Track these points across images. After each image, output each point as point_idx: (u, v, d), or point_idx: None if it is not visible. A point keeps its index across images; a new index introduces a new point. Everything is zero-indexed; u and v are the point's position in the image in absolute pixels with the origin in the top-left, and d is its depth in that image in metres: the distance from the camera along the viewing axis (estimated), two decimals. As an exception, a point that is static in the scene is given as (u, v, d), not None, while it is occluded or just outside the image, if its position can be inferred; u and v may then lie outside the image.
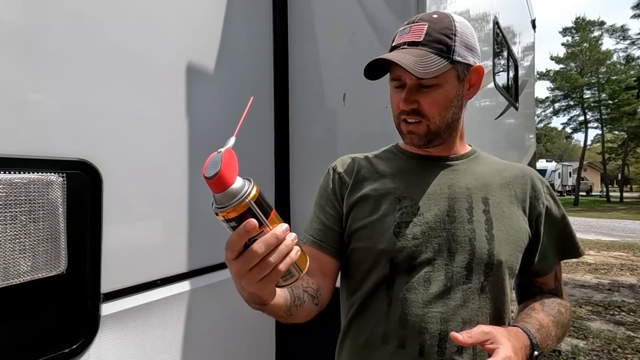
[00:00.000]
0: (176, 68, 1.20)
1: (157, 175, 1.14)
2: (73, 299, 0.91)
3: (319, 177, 0.94)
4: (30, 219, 0.81)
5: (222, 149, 0.51)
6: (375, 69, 0.78)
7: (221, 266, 1.33)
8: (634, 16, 21.89)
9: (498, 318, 0.79)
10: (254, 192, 0.51)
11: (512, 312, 0.85)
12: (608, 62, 25.12)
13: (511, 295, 0.84)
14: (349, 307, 0.86)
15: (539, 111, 28.44)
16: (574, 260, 6.58)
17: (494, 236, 0.78)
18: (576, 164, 30.77)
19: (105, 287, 0.98)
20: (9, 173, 0.78)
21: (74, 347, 0.91)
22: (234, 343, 1.38)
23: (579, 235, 0.91)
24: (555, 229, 0.87)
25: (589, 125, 27.49)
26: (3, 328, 0.80)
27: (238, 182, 0.51)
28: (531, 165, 4.07)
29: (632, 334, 3.90)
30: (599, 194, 37.17)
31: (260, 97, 1.56)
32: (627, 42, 24.53)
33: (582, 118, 27.28)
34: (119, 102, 1.03)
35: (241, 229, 0.50)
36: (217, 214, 0.51)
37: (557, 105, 28.12)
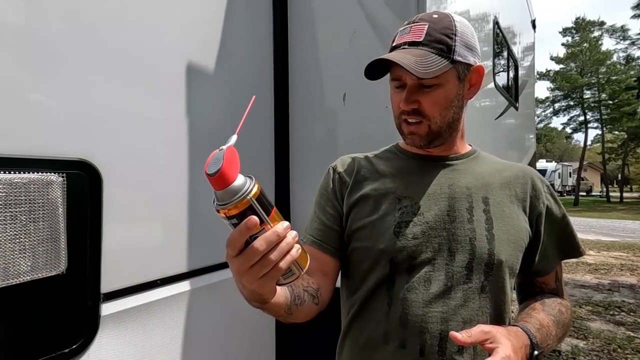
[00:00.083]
0: (176, 68, 1.20)
1: (157, 175, 1.14)
2: (73, 298, 0.91)
3: (319, 177, 0.94)
4: (30, 219, 0.81)
5: (224, 147, 0.51)
6: (376, 69, 0.78)
7: (221, 266, 1.33)
8: (634, 16, 21.89)
9: (498, 318, 0.79)
10: (255, 189, 0.51)
11: (512, 312, 0.85)
12: (608, 62, 25.12)
13: (511, 295, 0.84)
14: (349, 307, 0.86)
15: (539, 111, 28.46)
16: (574, 260, 6.58)
17: (494, 236, 0.78)
18: (576, 164, 30.77)
19: (105, 287, 0.98)
20: (9, 173, 0.78)
21: (74, 347, 0.90)
22: (234, 343, 1.38)
23: (578, 236, 0.91)
24: (556, 228, 0.87)
25: (589, 125, 27.51)
26: (3, 328, 0.80)
27: (240, 180, 0.51)
28: (531, 166, 4.07)
29: (632, 334, 3.89)
30: (599, 194, 37.16)
31: (260, 97, 1.56)
32: (627, 42, 24.56)
33: (582, 118, 27.29)
34: (119, 102, 1.03)
35: (242, 226, 0.50)
36: (218, 211, 0.51)
37: (557, 105, 28.14)
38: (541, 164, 28.64)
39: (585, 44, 25.42)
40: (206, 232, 1.27)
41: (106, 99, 1.00)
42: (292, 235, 0.54)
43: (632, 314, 4.47)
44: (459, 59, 0.76)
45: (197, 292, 1.24)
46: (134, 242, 1.07)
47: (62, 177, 0.87)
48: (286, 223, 0.54)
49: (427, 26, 0.76)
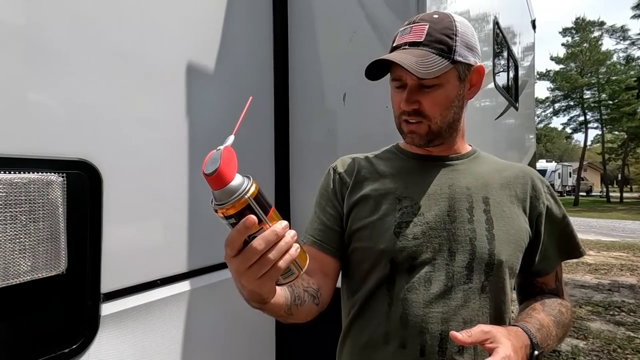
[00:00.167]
0: (176, 68, 1.20)
1: (157, 175, 1.14)
2: (73, 299, 0.91)
3: (319, 177, 0.94)
4: (30, 219, 0.81)
5: (222, 147, 0.51)
6: (376, 69, 0.78)
7: (221, 266, 1.33)
8: (634, 16, 21.89)
9: (498, 318, 0.79)
10: (253, 189, 0.51)
11: (512, 312, 0.85)
12: (608, 62, 25.12)
13: (511, 295, 0.84)
14: (349, 308, 0.86)
15: (539, 111, 28.46)
16: (574, 260, 6.57)
17: (494, 236, 0.78)
18: (576, 164, 30.77)
19: (105, 287, 0.98)
20: (9, 173, 0.78)
21: (74, 347, 0.90)
22: (234, 343, 1.38)
23: (579, 236, 0.91)
24: (556, 228, 0.87)
25: (589, 125, 27.51)
26: (3, 328, 0.80)
27: (237, 179, 0.51)
28: (531, 166, 4.07)
29: (632, 334, 3.89)
30: (599, 194, 37.16)
31: (260, 97, 1.56)
32: (627, 42, 24.56)
33: (582, 118, 27.29)
34: (119, 102, 1.03)
35: (240, 225, 0.50)
36: (216, 211, 0.51)
37: (557, 105, 28.14)
38: (541, 164, 28.64)
39: (585, 44, 25.42)
40: (206, 232, 1.27)
41: (106, 99, 1.00)
42: (290, 234, 0.54)
43: (632, 314, 4.47)
44: (460, 59, 0.76)
45: (197, 292, 1.24)
46: (134, 242, 1.07)
47: (62, 177, 0.87)
48: (285, 222, 0.53)
49: (427, 26, 0.76)
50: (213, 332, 1.30)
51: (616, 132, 30.05)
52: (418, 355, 0.74)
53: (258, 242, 0.51)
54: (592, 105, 26.31)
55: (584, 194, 34.20)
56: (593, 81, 25.48)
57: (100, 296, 0.97)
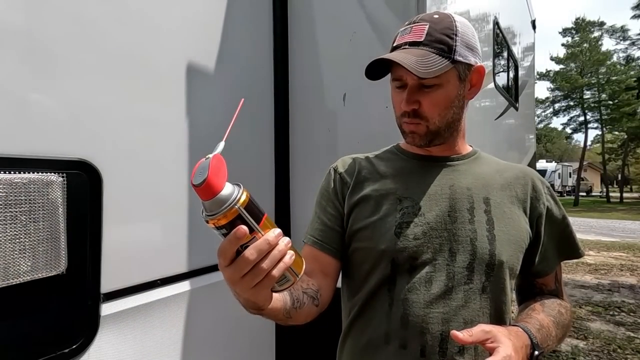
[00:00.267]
0: (176, 68, 1.20)
1: (157, 175, 1.14)
2: (73, 299, 0.91)
3: (319, 177, 0.94)
4: (30, 219, 0.81)
5: (211, 155, 0.50)
6: (377, 69, 0.78)
7: (221, 266, 1.33)
8: (634, 17, 21.90)
9: (499, 318, 0.79)
10: (243, 197, 0.50)
11: (512, 312, 0.85)
12: (608, 62, 25.12)
13: (512, 295, 0.84)
14: (350, 308, 0.86)
15: (539, 111, 28.47)
16: (574, 260, 6.57)
17: (495, 236, 0.78)
18: (576, 165, 30.76)
19: (105, 287, 0.98)
20: (9, 173, 0.78)
21: (74, 347, 0.90)
22: (234, 343, 1.38)
23: (578, 236, 0.91)
24: (556, 229, 0.87)
25: (589, 125, 27.52)
26: (3, 328, 0.80)
27: (227, 189, 0.50)
28: (531, 166, 4.07)
29: (632, 334, 3.89)
30: (599, 194, 37.15)
31: (260, 97, 1.56)
32: (627, 42, 24.58)
33: (582, 118, 27.30)
34: (119, 103, 1.03)
35: (232, 236, 0.49)
36: (207, 222, 0.51)
37: (557, 105, 28.15)
38: (541, 164, 28.63)
39: (585, 45, 25.42)
40: (206, 232, 1.25)
41: (106, 99, 1.00)
42: (284, 242, 0.53)
43: (632, 314, 4.47)
44: (460, 59, 0.76)
45: (197, 292, 1.24)
46: (134, 242, 1.07)
47: (62, 177, 0.87)
48: (278, 230, 0.53)
49: (427, 26, 0.76)
50: (213, 332, 1.30)
51: (616, 132, 30.06)
52: (418, 355, 0.74)
53: (250, 252, 0.50)
54: (592, 105, 26.32)
55: (584, 194, 34.19)
56: (593, 81, 25.49)
57: (100, 296, 0.97)
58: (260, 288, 0.54)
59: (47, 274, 0.84)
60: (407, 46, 0.76)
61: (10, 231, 0.78)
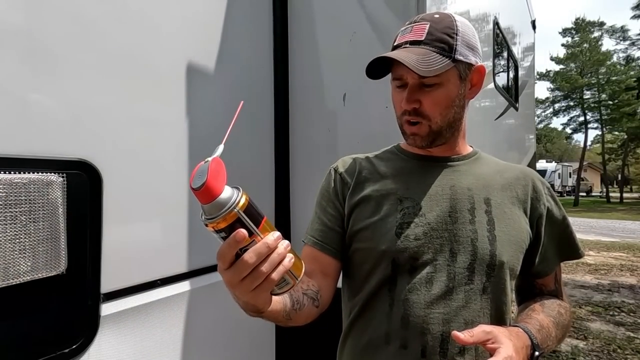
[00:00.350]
0: (176, 68, 1.20)
1: (157, 175, 1.14)
2: (73, 299, 0.91)
3: (319, 177, 0.94)
4: (30, 219, 0.81)
5: (210, 158, 0.50)
6: (377, 68, 0.78)
7: (221, 266, 1.33)
8: (634, 17, 21.91)
9: (499, 319, 0.79)
10: (243, 201, 0.50)
11: (512, 313, 0.85)
12: (608, 62, 25.12)
13: (512, 296, 0.84)
14: (350, 308, 0.85)
15: (539, 112, 28.47)
16: (574, 261, 6.57)
17: (496, 237, 0.78)
18: (576, 165, 30.76)
19: (105, 287, 0.98)
20: (9, 173, 0.78)
21: (74, 347, 0.90)
22: (234, 343, 1.38)
23: (578, 236, 0.91)
24: (556, 230, 0.87)
25: (589, 125, 27.52)
26: (3, 328, 0.80)
27: (226, 192, 0.50)
28: (531, 166, 4.07)
29: (632, 334, 3.89)
30: (598, 194, 37.15)
31: (260, 97, 1.56)
32: (627, 42, 24.58)
33: (582, 119, 27.30)
34: (119, 103, 1.03)
35: (231, 239, 0.49)
36: (206, 225, 0.50)
37: (557, 105, 28.15)
38: (541, 164, 28.63)
39: (585, 45, 25.42)
40: (206, 232, 1.26)
41: (106, 99, 1.00)
42: (283, 245, 0.53)
43: (632, 314, 4.47)
44: (461, 58, 0.76)
45: (197, 292, 1.24)
46: (134, 242, 1.07)
47: (62, 177, 0.87)
48: (277, 233, 0.53)
49: (428, 25, 0.76)
50: (213, 333, 1.30)
51: (616, 133, 30.07)
52: (419, 356, 0.74)
53: (249, 256, 0.50)
54: (592, 105, 26.32)
55: (584, 194, 34.19)
56: (593, 81, 25.49)
57: (100, 296, 0.96)
58: (260, 291, 0.54)
59: (47, 274, 0.84)
60: (408, 45, 0.76)
61: (11, 231, 0.78)
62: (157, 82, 1.14)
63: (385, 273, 0.79)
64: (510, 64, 3.22)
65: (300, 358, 1.57)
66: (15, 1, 0.83)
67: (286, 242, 0.54)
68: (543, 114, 29.36)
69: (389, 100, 0.85)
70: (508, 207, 0.82)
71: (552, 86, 27.40)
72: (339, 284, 0.89)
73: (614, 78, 24.46)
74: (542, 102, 28.48)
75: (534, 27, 4.56)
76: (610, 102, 25.04)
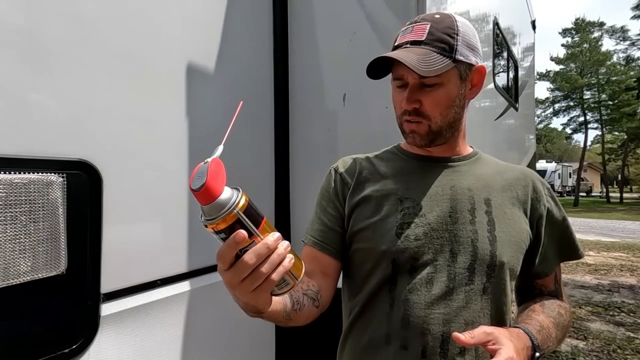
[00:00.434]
0: (176, 68, 1.20)
1: (157, 175, 1.13)
2: (73, 299, 0.91)
3: (319, 177, 0.94)
4: (30, 219, 0.80)
5: (209, 159, 0.49)
6: (378, 68, 0.78)
7: (221, 266, 1.33)
8: (634, 17, 21.92)
9: (499, 319, 0.79)
10: (242, 201, 0.50)
11: (512, 313, 0.85)
12: (608, 63, 25.12)
13: (512, 296, 0.84)
14: (351, 308, 0.85)
15: (539, 112, 28.47)
16: (574, 261, 6.57)
17: (496, 237, 0.78)
18: (576, 165, 30.75)
19: (105, 287, 0.98)
20: (9, 173, 0.78)
21: (74, 347, 0.90)
22: (234, 343, 1.38)
23: (578, 236, 0.91)
24: (556, 231, 0.87)
25: (589, 126, 27.53)
26: (3, 328, 0.80)
27: (226, 193, 0.50)
28: (531, 166, 4.08)
29: (632, 334, 3.89)
30: (598, 194, 37.14)
31: (260, 97, 1.56)
32: (627, 43, 24.58)
33: (582, 119, 27.31)
34: (119, 103, 1.03)
35: (231, 240, 0.49)
36: (206, 226, 0.50)
37: (557, 106, 28.15)
38: (541, 164, 28.62)
39: (585, 45, 25.43)
40: (206, 232, 1.26)
41: (106, 99, 1.00)
42: (283, 245, 0.53)
43: (631, 314, 4.47)
44: (461, 58, 0.76)
45: (197, 292, 1.24)
46: (134, 242, 1.07)
47: (62, 177, 0.87)
48: (277, 234, 0.53)
49: (429, 26, 0.76)
50: (213, 333, 1.30)
51: (616, 133, 30.07)
52: (419, 356, 0.74)
53: (249, 257, 0.50)
54: (592, 105, 26.33)
55: (584, 194, 34.19)
56: (593, 82, 25.49)
57: (100, 296, 0.96)
58: (260, 292, 0.54)
59: (47, 274, 0.84)
60: (408, 45, 0.76)
61: (11, 231, 0.77)
62: (157, 82, 1.14)
63: (385, 273, 0.79)
64: (510, 64, 3.22)
65: (300, 358, 1.57)
66: (15, 1, 0.83)
67: (286, 242, 0.54)
68: (543, 114, 29.40)
69: (389, 100, 0.85)
70: (508, 207, 0.82)
71: (552, 86, 27.41)
72: (339, 284, 0.89)
73: (614, 78, 24.46)
74: (542, 102, 28.48)
75: (534, 27, 4.56)
76: (610, 102, 25.05)
